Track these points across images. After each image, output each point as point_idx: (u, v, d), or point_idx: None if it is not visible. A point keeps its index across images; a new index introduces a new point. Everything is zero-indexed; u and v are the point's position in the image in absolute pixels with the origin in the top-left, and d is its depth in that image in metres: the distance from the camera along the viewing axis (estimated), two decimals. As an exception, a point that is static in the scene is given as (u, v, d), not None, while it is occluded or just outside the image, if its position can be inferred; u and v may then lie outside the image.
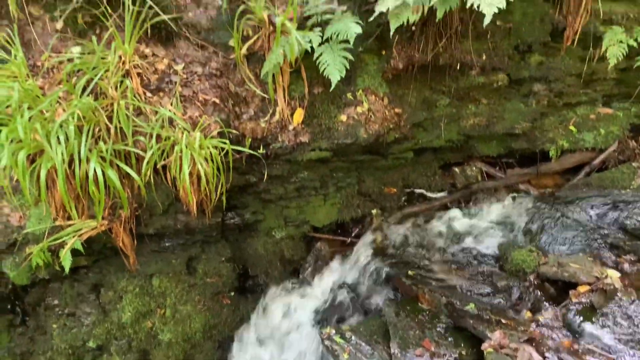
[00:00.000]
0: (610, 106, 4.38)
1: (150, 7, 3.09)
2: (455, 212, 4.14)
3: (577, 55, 4.03)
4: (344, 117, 3.61)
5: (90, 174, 2.71)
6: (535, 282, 3.22)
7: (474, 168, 4.40)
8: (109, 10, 3.10)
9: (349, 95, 3.67)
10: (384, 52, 3.67)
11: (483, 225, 3.95)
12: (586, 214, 3.73)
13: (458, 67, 3.71)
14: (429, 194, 4.36)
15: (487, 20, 2.83)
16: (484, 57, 3.72)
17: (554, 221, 3.69)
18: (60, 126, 2.70)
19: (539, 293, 3.14)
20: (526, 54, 3.89)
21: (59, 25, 3.16)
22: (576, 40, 3.85)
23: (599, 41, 3.91)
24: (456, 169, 4.41)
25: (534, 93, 4.06)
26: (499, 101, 4.06)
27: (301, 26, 3.36)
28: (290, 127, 3.54)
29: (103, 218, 3.06)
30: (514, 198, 4.19)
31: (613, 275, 3.01)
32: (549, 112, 4.25)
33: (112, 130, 2.90)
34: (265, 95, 3.48)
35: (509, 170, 4.44)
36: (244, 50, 3.40)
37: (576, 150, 4.27)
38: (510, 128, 4.08)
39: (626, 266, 3.18)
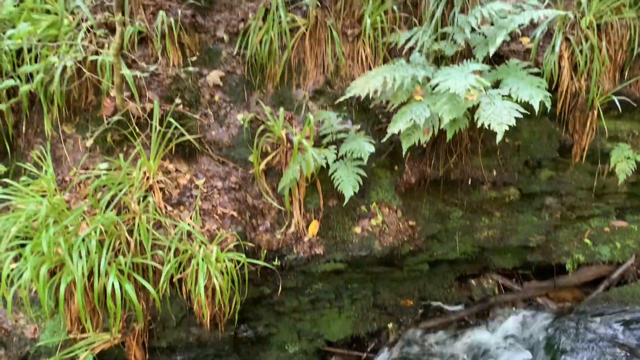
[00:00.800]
0: (624, 219, 4.39)
1: (176, 128, 3.30)
2: (473, 327, 4.04)
3: (587, 169, 4.12)
4: (358, 229, 3.67)
5: (109, 288, 2.75)
6: (560, 406, 3.07)
7: (491, 280, 4.36)
8: (137, 130, 3.30)
9: (363, 207, 3.76)
10: (396, 167, 3.81)
11: (502, 342, 3.84)
12: (609, 331, 3.62)
13: (469, 182, 3.82)
14: (446, 307, 4.29)
15: (499, 138, 2.94)
16: (495, 173, 3.83)
17: (576, 338, 3.58)
18: (83, 240, 2.79)
19: (565, 418, 2.99)
20: (536, 169, 4.00)
21: (89, 143, 3.35)
22: (584, 156, 3.96)
23: (607, 157, 4.02)
24: (472, 281, 4.38)
25: (546, 206, 4.11)
26: (512, 214, 4.11)
27: (317, 144, 3.54)
28: (306, 239, 3.60)
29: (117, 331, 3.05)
30: (533, 312, 4.10)
31: (642, 400, 2.87)
32: (563, 225, 4.27)
33: (132, 244, 2.97)
34: (282, 208, 3.58)
35: (526, 282, 4.39)
36: (262, 166, 3.56)
37: (593, 263, 4.24)
38: (524, 241, 4.09)
39: (655, 390, 3.03)
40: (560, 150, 3.97)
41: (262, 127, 3.55)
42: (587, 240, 4.25)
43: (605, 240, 4.26)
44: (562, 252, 4.24)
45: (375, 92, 3.31)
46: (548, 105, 3.12)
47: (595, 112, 3.77)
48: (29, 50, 3.23)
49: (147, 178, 3.21)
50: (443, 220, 3.98)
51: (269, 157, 3.58)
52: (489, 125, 2.96)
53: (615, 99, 3.64)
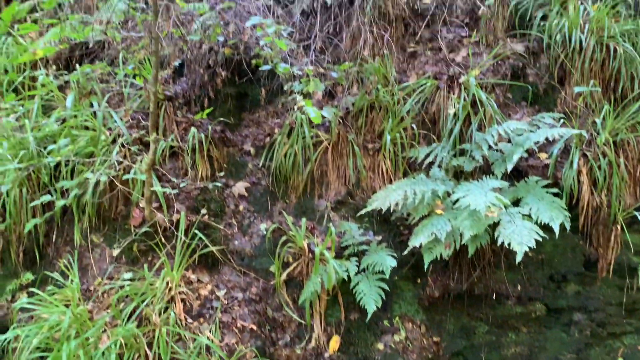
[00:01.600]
0: (659, 335, 4.20)
1: (201, 239, 3.37)
2: None
3: (615, 284, 4.01)
4: (380, 346, 3.57)
5: (124, 407, 2.69)
6: None
7: (521, 401, 4.11)
8: (163, 240, 3.38)
9: (386, 322, 3.68)
10: (419, 280, 3.77)
11: None
12: None
13: (494, 296, 3.74)
14: None
15: (519, 258, 2.95)
16: (519, 287, 3.76)
17: None
18: (102, 354, 2.77)
19: None
20: (561, 283, 3.91)
21: (115, 252, 3.43)
22: (611, 270, 3.88)
23: (635, 271, 3.92)
24: (501, 402, 4.13)
25: (575, 322, 3.97)
26: (540, 329, 3.96)
27: (338, 255, 3.56)
28: (326, 355, 3.51)
29: None
30: None
31: None
32: (594, 343, 4.08)
33: (151, 357, 2.94)
34: (302, 321, 3.53)
35: (559, 405, 4.13)
36: (283, 276, 3.56)
37: (630, 385, 4.01)
38: (554, 359, 3.91)
39: None
40: (585, 265, 3.89)
41: (284, 237, 3.61)
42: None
43: (641, 359, 4.05)
44: (596, 372, 4.03)
45: (396, 205, 3.38)
46: (568, 226, 3.17)
47: (619, 227, 3.75)
48: (66, 164, 3.42)
49: (170, 289, 3.24)
50: (468, 335, 3.86)
51: (290, 268, 3.59)
52: (509, 244, 2.98)
53: (638, 214, 3.63)
